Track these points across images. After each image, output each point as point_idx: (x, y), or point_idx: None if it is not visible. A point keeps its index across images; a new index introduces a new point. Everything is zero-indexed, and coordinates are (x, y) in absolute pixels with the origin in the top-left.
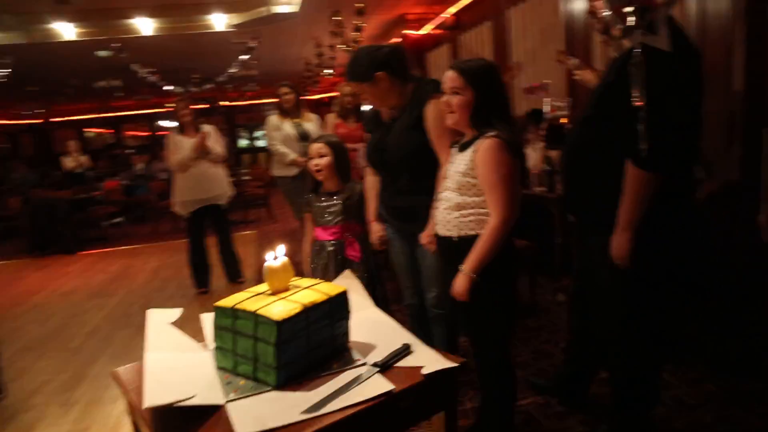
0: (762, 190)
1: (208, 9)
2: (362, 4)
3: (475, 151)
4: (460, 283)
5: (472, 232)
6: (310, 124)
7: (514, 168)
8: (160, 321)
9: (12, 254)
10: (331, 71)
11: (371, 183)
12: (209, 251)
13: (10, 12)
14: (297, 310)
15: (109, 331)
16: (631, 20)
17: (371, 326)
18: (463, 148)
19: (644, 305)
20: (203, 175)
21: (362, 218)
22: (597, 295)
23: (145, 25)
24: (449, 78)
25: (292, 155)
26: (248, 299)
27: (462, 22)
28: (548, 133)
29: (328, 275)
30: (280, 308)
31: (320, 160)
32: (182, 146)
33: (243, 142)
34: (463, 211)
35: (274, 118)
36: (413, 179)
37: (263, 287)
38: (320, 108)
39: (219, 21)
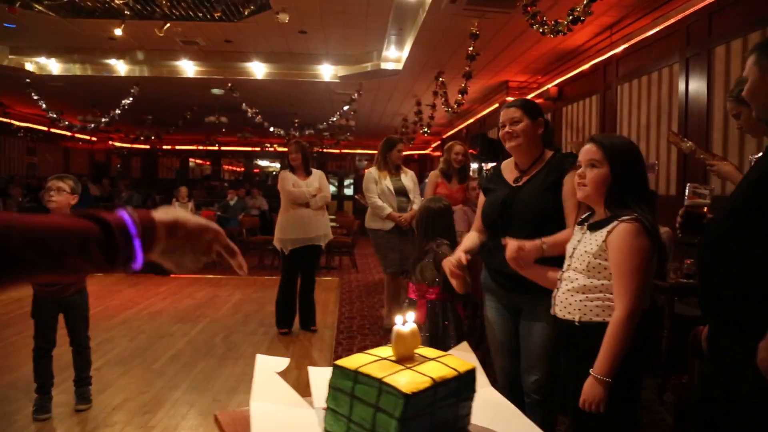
0: None
1: (318, 59)
2: (469, 68)
3: (609, 232)
4: (594, 391)
5: (598, 318)
6: (407, 178)
7: (650, 256)
8: (268, 368)
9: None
10: (427, 130)
11: (471, 235)
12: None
13: (144, 48)
14: (426, 384)
15: (191, 359)
16: None
17: (490, 409)
18: (594, 227)
19: None
20: (308, 216)
21: (439, 284)
22: (730, 405)
23: (258, 69)
24: (587, 150)
25: (388, 209)
26: (372, 363)
27: (565, 94)
28: (684, 221)
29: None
30: (408, 379)
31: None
32: (295, 183)
33: (332, 189)
34: (590, 295)
35: (372, 171)
36: None
37: (386, 351)
38: (409, 165)
39: (327, 72)
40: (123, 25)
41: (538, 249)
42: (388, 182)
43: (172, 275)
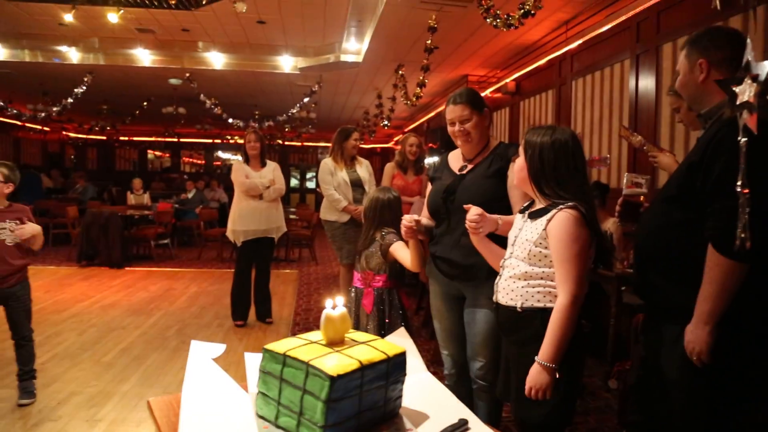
0: None
1: (278, 50)
2: (427, 61)
3: (549, 220)
4: (540, 378)
5: (539, 304)
6: (362, 169)
7: (589, 243)
8: (202, 355)
9: (62, 261)
10: (387, 123)
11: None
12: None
13: (98, 36)
14: (353, 367)
15: (143, 351)
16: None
17: (423, 393)
18: (534, 215)
19: (720, 410)
20: (261, 208)
21: (385, 272)
22: (663, 390)
23: (217, 59)
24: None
25: (344, 202)
26: (301, 347)
27: (523, 88)
28: (623, 210)
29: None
30: (335, 362)
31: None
32: (248, 174)
33: (293, 182)
34: (531, 281)
35: (328, 162)
36: None
37: (317, 336)
38: (372, 158)
39: (286, 63)
40: (74, 11)
41: (494, 222)
42: (344, 174)
43: (125, 267)
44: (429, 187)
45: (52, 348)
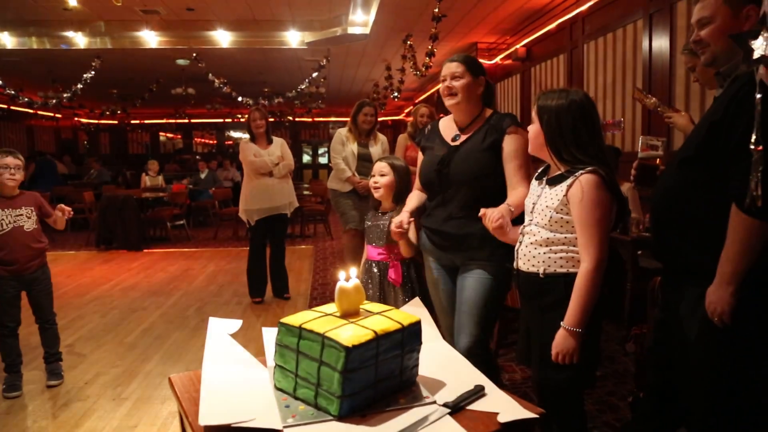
0: None
1: (284, 26)
2: (435, 30)
3: (569, 186)
4: (566, 343)
5: (562, 270)
6: (376, 147)
7: (611, 206)
8: (220, 331)
9: (81, 246)
10: (397, 95)
11: (414, 194)
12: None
13: (104, 19)
14: (368, 337)
15: (164, 331)
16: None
17: (440, 361)
18: (553, 182)
19: (740, 371)
20: (272, 185)
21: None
22: (683, 351)
23: (223, 38)
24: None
25: (348, 172)
26: (316, 319)
27: (534, 54)
28: (639, 174)
29: (370, 297)
30: (350, 333)
31: (380, 178)
32: (256, 152)
33: (306, 158)
34: (553, 247)
35: (342, 132)
36: (471, 203)
37: (332, 308)
38: (383, 130)
39: (293, 38)
40: None
41: (509, 213)
42: (354, 146)
43: (143, 249)
44: (420, 155)
45: (77, 330)
